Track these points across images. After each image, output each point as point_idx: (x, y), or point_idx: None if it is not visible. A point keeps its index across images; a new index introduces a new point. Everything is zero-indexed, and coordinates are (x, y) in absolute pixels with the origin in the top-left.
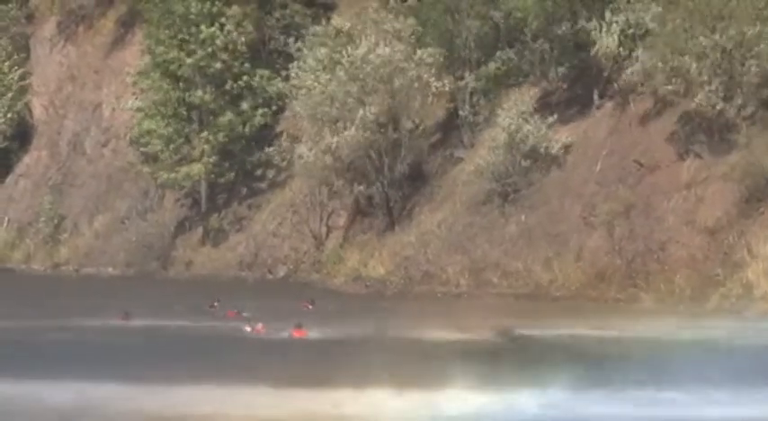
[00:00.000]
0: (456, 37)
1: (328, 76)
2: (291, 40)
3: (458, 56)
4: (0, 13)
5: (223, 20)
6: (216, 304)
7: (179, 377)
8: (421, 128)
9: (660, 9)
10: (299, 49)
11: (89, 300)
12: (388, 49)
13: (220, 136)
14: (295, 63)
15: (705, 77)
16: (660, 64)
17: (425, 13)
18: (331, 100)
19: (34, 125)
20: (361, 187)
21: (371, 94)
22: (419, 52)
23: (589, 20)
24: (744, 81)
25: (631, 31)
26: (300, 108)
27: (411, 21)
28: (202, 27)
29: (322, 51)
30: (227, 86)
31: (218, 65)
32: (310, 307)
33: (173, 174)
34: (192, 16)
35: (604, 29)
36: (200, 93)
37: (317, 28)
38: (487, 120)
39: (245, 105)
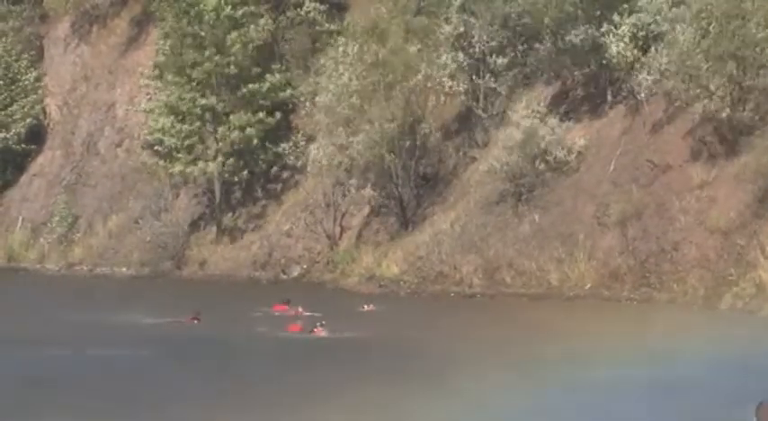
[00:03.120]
0: (469, 37)
1: (342, 76)
2: (304, 38)
3: (472, 55)
4: (14, 13)
5: (238, 21)
6: (288, 305)
7: None
8: (435, 127)
9: (672, 13)
10: (313, 46)
11: (138, 302)
12: (401, 49)
13: (234, 135)
14: (308, 62)
15: (718, 85)
16: (674, 67)
17: (438, 12)
18: (345, 99)
19: (48, 125)
20: (375, 187)
21: (386, 93)
22: (431, 52)
23: (601, 24)
24: (756, 84)
25: (643, 33)
26: (314, 107)
27: (423, 20)
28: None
29: (336, 51)
30: (239, 93)
31: (233, 69)
32: (367, 308)
33: (189, 168)
34: (207, 19)
35: (617, 31)
36: (213, 98)
37: (330, 27)
38: (501, 119)
39: (257, 106)
